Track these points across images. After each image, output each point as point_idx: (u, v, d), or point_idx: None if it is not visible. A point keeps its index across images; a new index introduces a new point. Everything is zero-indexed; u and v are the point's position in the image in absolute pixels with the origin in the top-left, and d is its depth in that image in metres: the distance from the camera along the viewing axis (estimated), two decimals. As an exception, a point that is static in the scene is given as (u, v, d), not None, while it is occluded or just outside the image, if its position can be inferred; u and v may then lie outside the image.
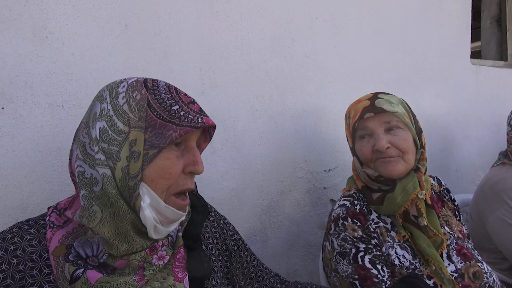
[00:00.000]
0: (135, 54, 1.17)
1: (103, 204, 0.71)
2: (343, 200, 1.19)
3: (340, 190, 1.69)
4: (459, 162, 2.35)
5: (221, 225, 0.98)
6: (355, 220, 1.12)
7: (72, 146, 0.77)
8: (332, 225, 1.14)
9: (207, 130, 0.85)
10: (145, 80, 0.78)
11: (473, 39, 2.48)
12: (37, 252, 0.74)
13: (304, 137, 1.59)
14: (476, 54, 2.80)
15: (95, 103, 0.76)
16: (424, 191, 1.12)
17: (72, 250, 0.72)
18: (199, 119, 0.75)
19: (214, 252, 0.92)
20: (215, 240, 0.93)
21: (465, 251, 1.14)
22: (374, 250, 1.08)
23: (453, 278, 1.06)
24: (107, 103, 0.74)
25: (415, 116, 1.20)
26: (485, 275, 1.10)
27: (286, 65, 1.54)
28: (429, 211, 1.13)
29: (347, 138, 1.26)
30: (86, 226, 0.74)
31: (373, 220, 1.14)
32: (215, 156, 1.36)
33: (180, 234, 0.84)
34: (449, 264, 1.10)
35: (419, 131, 1.18)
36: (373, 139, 1.15)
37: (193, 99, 0.79)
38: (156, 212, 0.74)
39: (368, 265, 1.05)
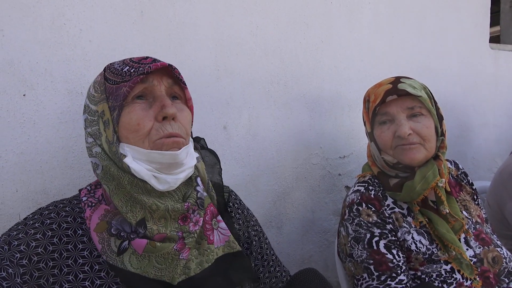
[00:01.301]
0: (151, 40, 1.18)
1: (107, 180, 0.77)
2: (358, 186, 1.19)
3: (355, 176, 1.68)
4: (476, 149, 2.31)
5: (245, 213, 1.00)
6: (369, 206, 1.11)
7: None
8: (347, 211, 1.14)
9: (175, 78, 0.83)
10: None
11: (492, 24, 2.41)
12: (72, 228, 0.77)
13: (319, 124, 1.59)
14: (495, 39, 2.73)
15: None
16: (444, 179, 1.10)
17: (112, 225, 0.76)
18: (146, 67, 0.77)
19: (240, 234, 0.94)
20: (237, 226, 0.95)
21: (484, 235, 1.13)
22: (389, 235, 1.08)
23: (471, 263, 1.05)
24: (85, 98, 0.84)
25: (437, 103, 1.18)
26: (504, 260, 1.09)
27: (301, 50, 1.53)
28: (448, 197, 1.12)
29: (364, 123, 1.24)
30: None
31: (388, 205, 1.13)
32: (230, 142, 1.36)
33: (206, 194, 0.86)
34: (467, 249, 1.09)
35: (440, 118, 1.16)
36: (394, 125, 1.13)
37: (147, 56, 0.83)
38: (146, 162, 0.76)
39: (383, 250, 1.05)
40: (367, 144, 1.31)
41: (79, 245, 0.76)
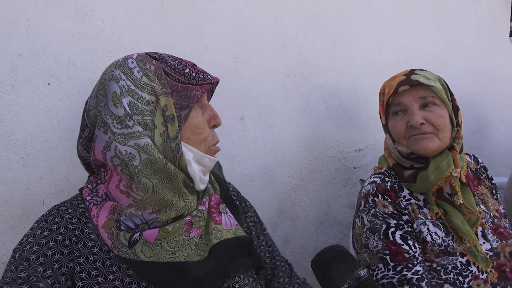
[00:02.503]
0: (170, 31, 1.19)
1: (148, 174, 0.74)
2: (374, 177, 1.19)
3: (370, 170, 1.68)
4: (493, 145, 2.28)
5: (243, 205, 1.01)
6: (385, 197, 1.12)
7: (94, 132, 0.79)
8: (362, 202, 1.15)
9: (210, 89, 0.92)
10: (147, 53, 0.83)
11: (513, 17, 2.37)
12: (78, 228, 0.78)
13: (335, 116, 1.59)
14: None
15: (109, 84, 0.77)
16: (458, 169, 1.10)
17: (121, 223, 0.76)
18: (209, 76, 0.84)
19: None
20: (236, 217, 0.95)
21: (502, 230, 1.13)
22: (405, 226, 1.08)
23: (487, 256, 1.05)
24: (123, 80, 0.77)
25: (453, 94, 1.17)
26: (521, 254, 1.09)
27: (318, 42, 1.53)
28: (463, 189, 1.12)
29: (380, 116, 1.25)
30: (125, 205, 0.77)
31: (404, 197, 1.14)
32: (247, 134, 1.38)
33: (209, 185, 0.90)
34: (484, 243, 1.09)
35: (456, 109, 1.16)
36: (407, 115, 1.13)
37: (194, 64, 0.87)
38: (197, 164, 0.82)
39: (399, 241, 1.06)
40: (382, 137, 1.32)
41: (88, 243, 0.76)
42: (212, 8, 1.27)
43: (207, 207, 0.83)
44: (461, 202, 1.09)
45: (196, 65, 0.86)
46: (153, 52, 0.84)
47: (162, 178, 0.76)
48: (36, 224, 0.78)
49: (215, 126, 0.87)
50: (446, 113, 1.12)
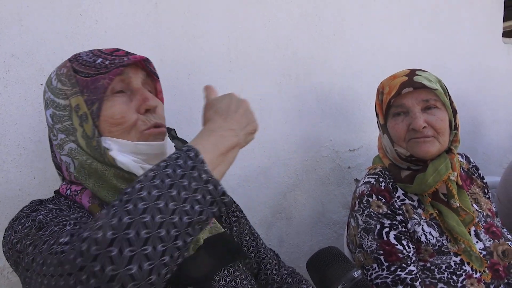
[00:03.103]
0: (165, 32, 1.19)
1: (84, 178, 0.76)
2: (368, 178, 1.19)
3: (364, 169, 1.69)
4: (487, 145, 2.30)
5: None
6: (380, 197, 1.12)
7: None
8: (357, 202, 1.15)
9: (149, 70, 0.84)
10: (71, 57, 0.82)
11: (506, 18, 2.39)
12: (71, 209, 0.74)
13: (329, 117, 1.59)
14: (508, 34, 2.70)
15: (43, 101, 0.83)
16: (456, 173, 1.10)
17: (104, 207, 0.75)
18: (123, 59, 0.77)
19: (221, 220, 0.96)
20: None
21: (494, 229, 1.13)
22: (399, 226, 1.08)
23: (481, 255, 1.06)
24: (47, 92, 0.81)
25: (451, 97, 1.17)
26: (514, 253, 1.09)
27: (313, 43, 1.53)
28: (459, 191, 1.12)
29: (377, 114, 1.24)
30: None
31: (398, 197, 1.14)
32: (241, 134, 1.38)
33: None
34: (477, 242, 1.09)
35: (454, 112, 1.16)
36: (408, 118, 1.12)
37: (119, 49, 0.82)
38: (132, 154, 0.76)
39: (393, 241, 1.06)
40: (377, 137, 1.32)
41: (85, 216, 0.73)
42: (206, 8, 1.27)
43: None
44: (458, 205, 1.09)
45: (119, 50, 0.81)
46: (77, 53, 0.83)
47: (96, 179, 0.76)
48: (25, 208, 0.74)
49: (147, 111, 0.79)
50: (446, 117, 1.12)
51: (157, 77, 0.85)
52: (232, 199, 1.04)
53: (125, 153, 0.76)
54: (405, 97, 1.12)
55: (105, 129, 0.76)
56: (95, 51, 0.81)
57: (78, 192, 0.78)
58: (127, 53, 0.80)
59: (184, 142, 0.94)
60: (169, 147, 0.85)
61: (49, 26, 1.01)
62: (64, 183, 0.82)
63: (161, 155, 0.79)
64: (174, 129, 0.95)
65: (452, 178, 1.10)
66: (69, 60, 0.81)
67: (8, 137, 0.96)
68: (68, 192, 0.79)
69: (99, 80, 0.76)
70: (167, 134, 0.84)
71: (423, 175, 1.10)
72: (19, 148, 0.98)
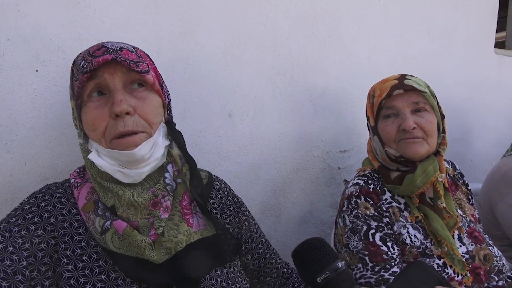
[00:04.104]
0: (163, 25, 1.19)
1: (86, 168, 0.83)
2: (357, 179, 1.21)
3: (354, 171, 1.71)
4: (475, 152, 2.34)
5: (235, 200, 1.01)
6: (368, 199, 1.14)
7: None
8: (345, 203, 1.17)
9: (127, 66, 0.78)
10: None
11: (499, 29, 2.43)
12: (66, 208, 0.80)
13: (322, 117, 1.61)
14: (500, 44, 2.74)
15: None
16: (443, 175, 1.13)
17: (99, 204, 0.79)
18: (91, 63, 0.74)
19: (226, 221, 0.96)
20: (228, 212, 0.97)
21: (477, 234, 1.16)
22: (385, 228, 1.10)
23: (463, 259, 1.08)
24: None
25: (438, 102, 1.21)
26: (495, 258, 1.12)
27: (309, 44, 1.54)
28: (446, 193, 1.15)
29: (367, 117, 1.27)
30: None
31: (386, 199, 1.16)
32: (234, 130, 1.39)
33: (180, 180, 0.86)
34: (460, 246, 1.12)
35: (442, 116, 1.19)
36: (399, 119, 1.15)
37: (103, 45, 0.78)
38: (110, 158, 0.79)
39: (379, 242, 1.08)
40: (367, 140, 1.34)
41: (74, 223, 0.79)
42: (204, 4, 1.28)
43: (170, 209, 0.81)
44: (444, 206, 1.12)
45: (101, 48, 0.77)
46: (81, 53, 0.83)
47: (92, 173, 0.81)
48: (26, 199, 0.81)
49: (118, 116, 0.75)
50: (435, 119, 1.15)
51: (142, 72, 0.79)
52: (241, 199, 1.05)
53: (103, 156, 0.79)
54: (396, 99, 1.15)
55: (87, 132, 0.81)
56: (86, 52, 0.79)
57: (79, 184, 0.82)
58: (105, 52, 0.76)
59: (180, 136, 0.93)
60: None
61: (46, 13, 1.01)
62: (78, 168, 0.88)
63: (135, 161, 0.78)
64: (174, 123, 0.93)
65: (440, 179, 1.13)
66: (74, 60, 0.84)
67: (1, 122, 0.95)
68: (73, 180, 0.83)
69: (75, 86, 0.78)
70: (158, 132, 0.83)
71: (412, 176, 1.12)
72: (11, 134, 0.97)
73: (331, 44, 1.61)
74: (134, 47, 0.84)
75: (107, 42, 0.81)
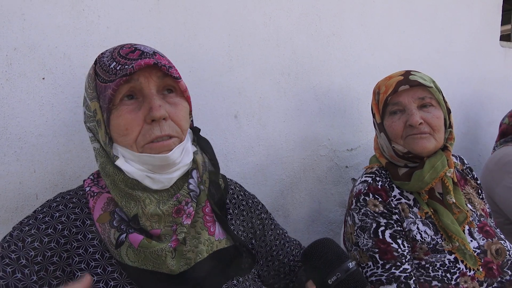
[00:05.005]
0: (166, 28, 1.20)
1: (104, 175, 0.79)
2: (365, 177, 1.21)
3: (362, 169, 1.70)
4: (483, 147, 2.32)
5: (249, 203, 1.00)
6: (376, 196, 1.14)
7: None
8: (354, 200, 1.17)
9: (165, 71, 0.78)
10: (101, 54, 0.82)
11: (503, 22, 2.41)
12: (80, 219, 0.79)
13: (328, 116, 1.61)
14: (505, 37, 2.73)
15: None
16: (452, 169, 1.13)
17: (115, 216, 0.77)
18: (130, 66, 0.73)
19: (240, 228, 0.95)
20: (241, 217, 0.96)
21: (488, 228, 1.15)
22: (395, 225, 1.10)
23: (475, 254, 1.08)
24: (85, 89, 0.84)
25: (444, 97, 1.20)
26: (508, 252, 1.11)
27: (312, 43, 1.54)
28: (455, 188, 1.15)
29: (373, 114, 1.26)
30: None
31: (395, 196, 1.16)
32: (240, 131, 1.39)
33: (203, 187, 0.85)
34: (471, 241, 1.11)
35: (448, 111, 1.18)
36: (405, 115, 1.15)
37: (135, 47, 0.77)
38: (139, 163, 0.77)
39: (389, 240, 1.08)
40: (373, 137, 1.33)
41: (89, 234, 0.77)
42: (208, 6, 1.28)
43: (193, 217, 0.80)
44: (454, 201, 1.11)
45: (135, 51, 0.77)
46: (103, 52, 0.82)
47: (111, 181, 0.78)
48: (40, 208, 0.79)
49: (154, 121, 0.75)
50: (441, 114, 1.15)
51: (176, 78, 0.80)
52: (257, 199, 1.04)
53: (131, 162, 0.77)
54: (402, 95, 1.15)
55: (114, 137, 0.78)
56: (115, 53, 0.78)
57: (95, 194, 0.80)
58: (141, 55, 0.76)
59: (208, 143, 0.93)
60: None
61: (51, 20, 1.01)
62: (92, 175, 0.85)
63: (167, 165, 0.78)
64: (199, 129, 0.94)
65: (449, 174, 1.12)
66: (95, 60, 0.81)
67: (10, 130, 0.96)
68: (88, 188, 0.81)
69: (107, 89, 0.75)
70: (187, 138, 0.84)
71: (420, 171, 1.11)
72: (20, 142, 0.98)
73: (335, 42, 1.61)
74: (160, 52, 0.83)
75: (135, 44, 0.80)
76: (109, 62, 0.77)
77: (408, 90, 1.14)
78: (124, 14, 1.12)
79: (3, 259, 0.70)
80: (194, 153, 0.87)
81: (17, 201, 0.98)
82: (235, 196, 0.98)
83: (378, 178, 1.19)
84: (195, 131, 0.92)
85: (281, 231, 1.06)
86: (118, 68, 0.74)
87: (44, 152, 1.02)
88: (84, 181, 0.85)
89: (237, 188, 1.02)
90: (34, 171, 1.01)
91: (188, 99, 0.84)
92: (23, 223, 0.76)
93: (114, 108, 0.76)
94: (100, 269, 0.75)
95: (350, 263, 0.78)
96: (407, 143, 1.14)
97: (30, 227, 0.74)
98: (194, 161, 0.87)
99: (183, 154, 0.81)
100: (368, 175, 1.21)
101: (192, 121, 0.92)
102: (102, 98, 0.76)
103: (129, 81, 0.74)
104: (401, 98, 1.15)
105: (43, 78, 1.01)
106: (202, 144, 0.90)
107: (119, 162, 0.76)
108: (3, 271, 0.68)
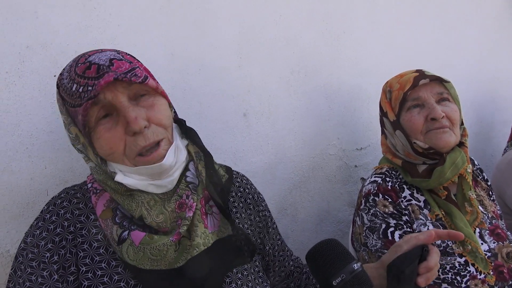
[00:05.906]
0: (177, 26, 1.20)
1: (105, 188, 0.80)
2: (375, 177, 1.20)
3: (371, 168, 1.69)
4: (495, 147, 2.29)
5: (255, 198, 1.00)
6: (386, 196, 1.13)
7: None
8: (363, 201, 1.16)
9: (128, 81, 0.73)
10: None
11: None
12: (84, 214, 0.80)
13: (337, 115, 1.60)
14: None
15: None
16: (471, 166, 1.13)
17: (117, 212, 0.78)
18: (92, 88, 0.70)
19: (246, 221, 0.94)
20: (248, 211, 0.95)
21: (499, 231, 1.14)
22: (405, 226, 1.09)
23: (486, 257, 1.06)
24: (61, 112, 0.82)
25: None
26: (519, 255, 1.10)
27: (322, 41, 1.53)
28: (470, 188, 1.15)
29: (384, 113, 1.25)
30: None
31: (405, 197, 1.15)
32: (250, 130, 1.39)
33: (200, 178, 0.84)
34: (482, 244, 1.10)
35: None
36: (425, 110, 1.14)
37: (90, 62, 0.72)
38: (137, 174, 0.77)
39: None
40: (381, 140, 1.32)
41: (93, 229, 0.78)
42: (217, 5, 1.28)
43: (194, 209, 0.80)
44: (474, 196, 1.11)
45: (91, 67, 0.72)
46: (63, 69, 0.79)
47: (114, 192, 0.78)
48: (46, 207, 0.81)
49: (135, 133, 0.73)
50: (458, 109, 1.15)
51: (142, 80, 0.75)
52: (262, 196, 1.04)
53: (130, 174, 0.77)
54: (421, 90, 1.14)
55: (103, 156, 0.78)
56: (72, 72, 0.74)
57: (98, 191, 0.81)
58: (98, 70, 0.71)
59: (194, 134, 0.91)
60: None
61: (63, 18, 1.02)
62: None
63: (165, 171, 0.78)
64: (184, 120, 0.91)
65: (469, 170, 1.13)
66: (57, 83, 0.78)
67: (22, 127, 0.97)
68: (90, 185, 0.82)
69: (78, 114, 0.73)
70: (175, 134, 0.83)
71: (441, 168, 1.11)
72: (32, 138, 0.99)
73: (345, 41, 1.60)
74: (117, 52, 0.78)
75: (88, 55, 0.76)
76: (70, 84, 0.74)
77: (427, 84, 1.14)
78: (135, 12, 1.13)
79: (25, 269, 0.73)
80: (186, 146, 0.87)
81: (28, 196, 0.99)
82: (241, 189, 0.97)
83: (388, 179, 1.18)
84: (181, 123, 0.89)
85: (279, 236, 1.05)
86: (80, 90, 0.71)
87: (55, 149, 1.03)
88: (87, 177, 0.86)
89: (244, 181, 1.01)
90: (45, 167, 1.02)
91: (163, 94, 0.81)
92: (33, 226, 0.78)
93: (92, 131, 0.74)
94: (104, 263, 0.76)
95: (355, 264, 0.77)
96: (429, 138, 1.13)
97: (41, 230, 0.76)
98: (189, 153, 0.86)
99: (177, 154, 0.81)
100: (378, 175, 1.20)
101: (175, 113, 0.90)
102: (77, 123, 0.75)
103: (96, 103, 0.72)
104: (420, 92, 1.14)
105: (55, 76, 1.02)
106: (189, 135, 0.89)
107: (119, 178, 0.76)
108: (29, 280, 0.71)
